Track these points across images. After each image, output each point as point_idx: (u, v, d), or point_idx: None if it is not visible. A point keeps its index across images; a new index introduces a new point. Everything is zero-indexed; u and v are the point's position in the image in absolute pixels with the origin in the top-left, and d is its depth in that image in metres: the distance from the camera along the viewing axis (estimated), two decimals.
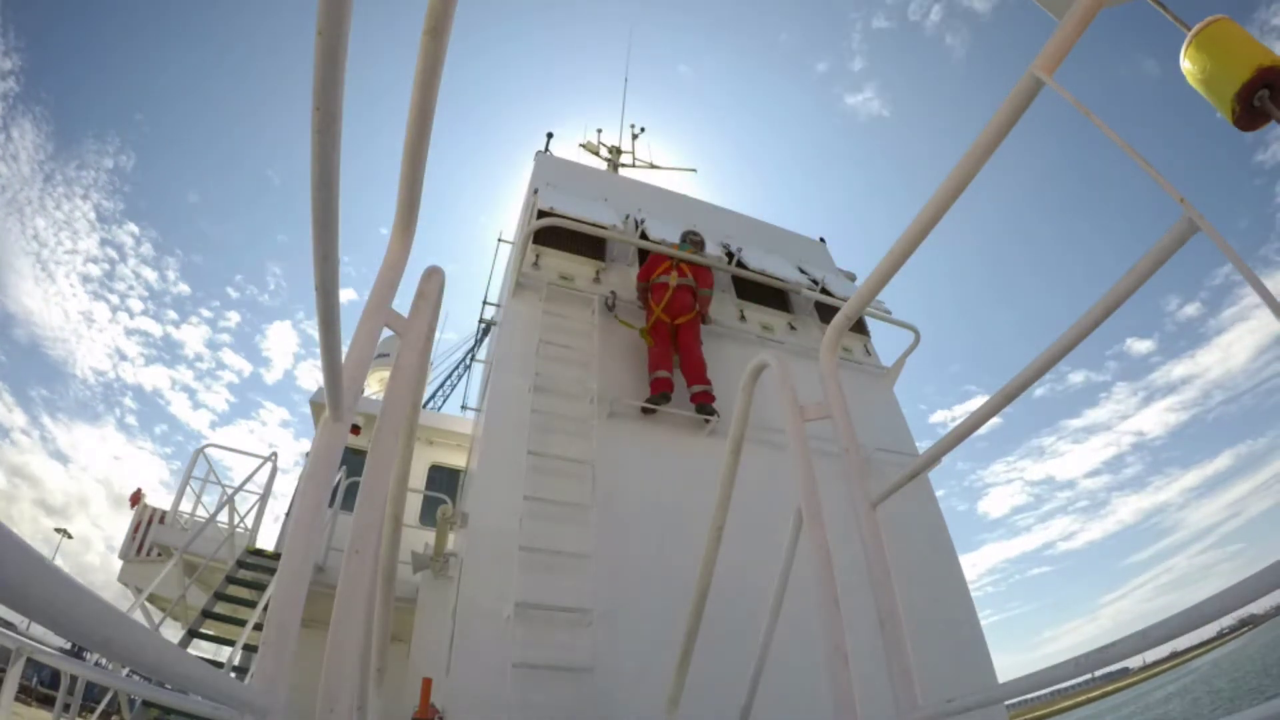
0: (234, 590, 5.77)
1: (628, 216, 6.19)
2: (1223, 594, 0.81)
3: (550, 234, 5.32)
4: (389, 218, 1.51)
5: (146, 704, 4.55)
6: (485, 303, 6.77)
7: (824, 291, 6.09)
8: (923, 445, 5.60)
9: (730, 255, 6.07)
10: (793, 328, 5.98)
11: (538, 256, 5.27)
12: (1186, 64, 1.42)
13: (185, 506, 7.49)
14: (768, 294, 6.10)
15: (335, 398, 1.24)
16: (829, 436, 1.80)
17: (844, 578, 1.56)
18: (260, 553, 6.42)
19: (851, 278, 6.94)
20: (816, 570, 1.58)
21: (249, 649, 4.91)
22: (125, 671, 4.40)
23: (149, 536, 7.32)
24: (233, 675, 4.61)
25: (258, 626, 5.00)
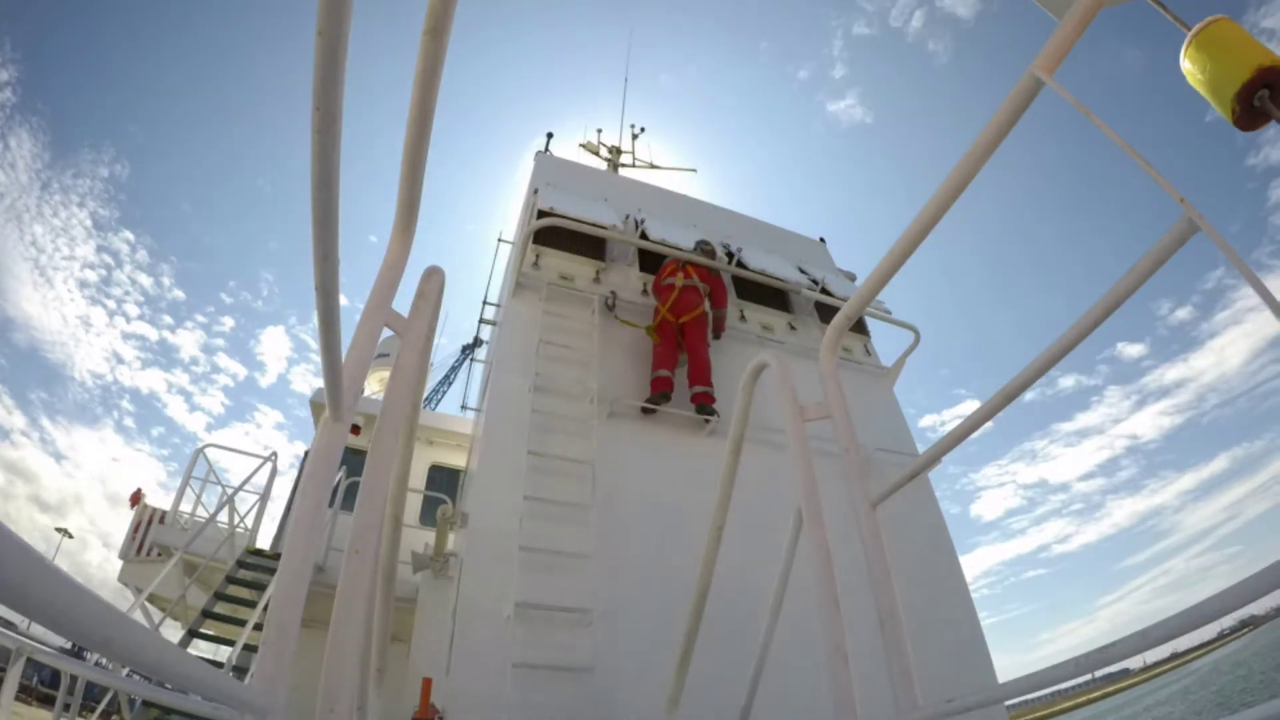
0: (234, 590, 5.76)
1: (628, 216, 6.19)
2: (1222, 594, 0.81)
3: (550, 234, 5.32)
4: (384, 221, 1.51)
5: (146, 704, 4.55)
6: (485, 303, 6.77)
7: (824, 291, 6.09)
8: (919, 447, 5.59)
9: (730, 255, 6.08)
10: (793, 328, 5.98)
11: (538, 256, 5.27)
12: (1186, 64, 1.42)
13: (185, 507, 7.49)
14: (768, 294, 6.10)
15: (335, 398, 1.24)
16: (829, 436, 1.80)
17: (844, 578, 1.56)
18: (260, 553, 6.41)
19: (851, 278, 6.94)
20: (816, 570, 1.57)
21: (249, 649, 4.91)
22: (125, 671, 4.40)
23: (149, 536, 7.32)
24: (233, 675, 4.61)
25: (258, 626, 4.99)
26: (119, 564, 7.42)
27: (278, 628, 1.07)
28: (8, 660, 3.18)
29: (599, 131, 11.77)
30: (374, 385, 11.89)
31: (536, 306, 4.74)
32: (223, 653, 5.58)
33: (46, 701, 20.03)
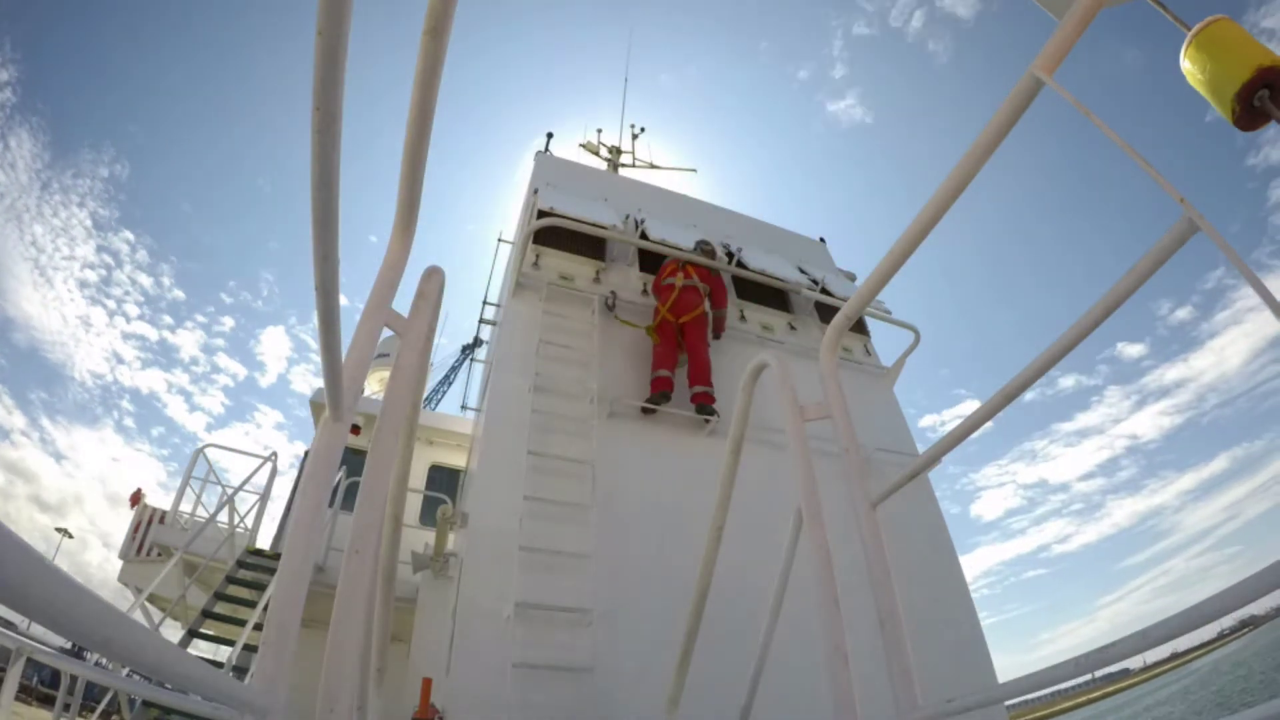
0: (234, 590, 5.76)
1: (628, 216, 6.19)
2: (1223, 594, 0.81)
3: (550, 234, 5.32)
4: (384, 221, 1.51)
5: (146, 704, 4.55)
6: (485, 303, 6.77)
7: (824, 291, 6.09)
8: (919, 447, 5.60)
9: (730, 255, 6.08)
10: (793, 328, 5.98)
11: (538, 256, 5.27)
12: (1186, 64, 1.42)
13: (185, 507, 7.49)
14: (768, 294, 6.10)
15: (335, 398, 1.24)
16: (829, 436, 1.80)
17: (844, 578, 1.56)
18: (260, 553, 6.41)
19: (851, 278, 6.94)
20: (816, 570, 1.57)
21: (249, 649, 4.91)
22: (125, 671, 4.40)
23: (149, 536, 7.32)
24: (233, 675, 4.61)
25: (258, 626, 4.99)
26: (119, 564, 7.42)
27: (278, 628, 1.07)
28: (8, 660, 3.18)
29: (599, 131, 11.77)
30: (374, 385, 11.89)
31: (536, 306, 4.74)
32: (223, 653, 5.58)
33: (46, 701, 20.04)
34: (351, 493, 6.40)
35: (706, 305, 4.92)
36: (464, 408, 8.03)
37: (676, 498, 4.02)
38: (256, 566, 6.04)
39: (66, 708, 4.21)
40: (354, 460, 7.24)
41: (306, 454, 5.91)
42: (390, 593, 2.19)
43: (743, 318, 5.76)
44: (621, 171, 11.19)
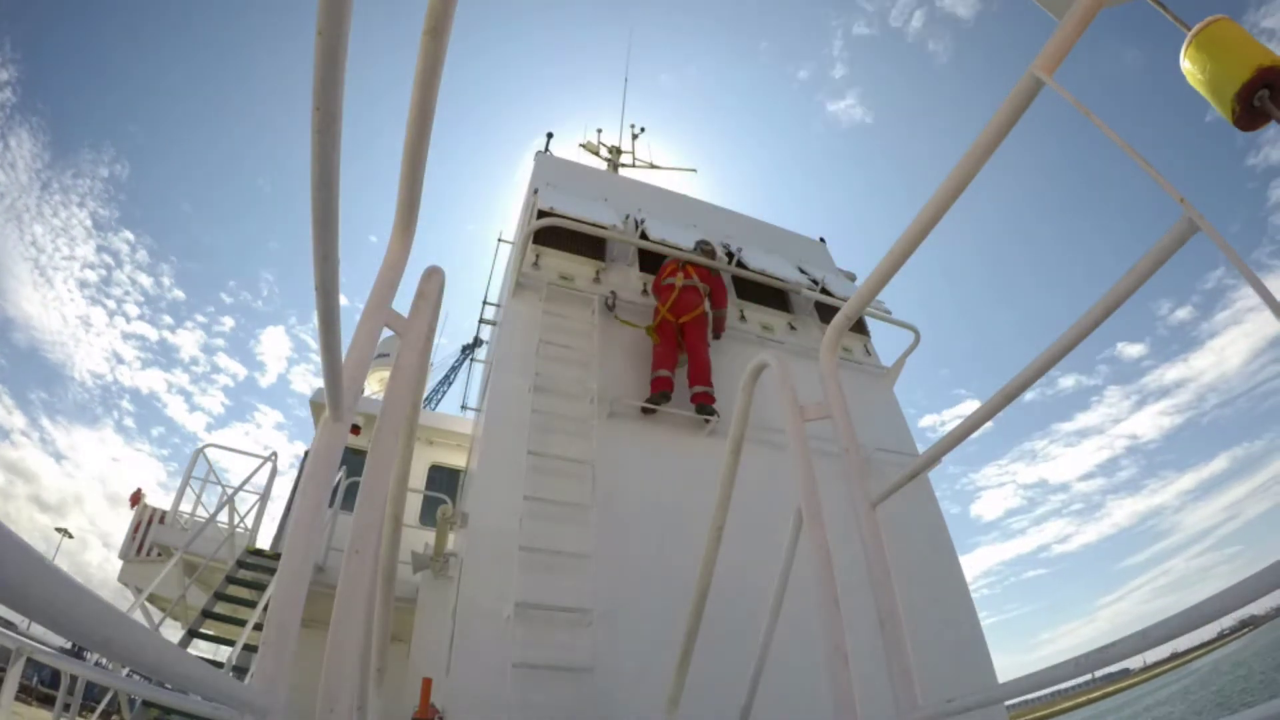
0: (234, 590, 5.76)
1: (628, 216, 6.19)
2: (1223, 594, 0.81)
3: (550, 234, 5.32)
4: (384, 221, 1.51)
5: (146, 704, 4.55)
6: (485, 303, 6.77)
7: (824, 291, 6.09)
8: (919, 447, 5.60)
9: (730, 255, 6.08)
10: (793, 328, 5.98)
11: (538, 256, 5.27)
12: (1186, 64, 1.42)
13: (185, 507, 7.49)
14: (768, 294, 6.10)
15: (335, 398, 1.24)
16: (829, 436, 1.80)
17: (844, 578, 1.56)
18: (260, 553, 6.41)
19: (851, 278, 6.94)
20: (816, 570, 1.57)
21: (249, 649, 4.91)
22: (125, 671, 4.40)
23: (149, 536, 7.32)
24: (233, 675, 4.61)
25: (258, 626, 4.99)
26: (119, 564, 7.42)
27: (278, 628, 1.07)
28: (8, 660, 3.18)
29: (599, 131, 11.77)
30: (374, 385, 11.89)
31: (536, 306, 4.74)
32: (223, 653, 5.58)
33: (46, 701, 20.04)
34: (351, 493, 6.40)
35: (706, 305, 4.92)
36: (464, 408, 8.03)
37: (676, 498, 4.02)
38: (256, 566, 6.04)
39: (66, 708, 4.21)
40: (354, 460, 7.24)
41: (306, 454, 5.91)
42: (390, 593, 2.19)
43: (743, 318, 5.76)
44: (621, 171, 11.19)
